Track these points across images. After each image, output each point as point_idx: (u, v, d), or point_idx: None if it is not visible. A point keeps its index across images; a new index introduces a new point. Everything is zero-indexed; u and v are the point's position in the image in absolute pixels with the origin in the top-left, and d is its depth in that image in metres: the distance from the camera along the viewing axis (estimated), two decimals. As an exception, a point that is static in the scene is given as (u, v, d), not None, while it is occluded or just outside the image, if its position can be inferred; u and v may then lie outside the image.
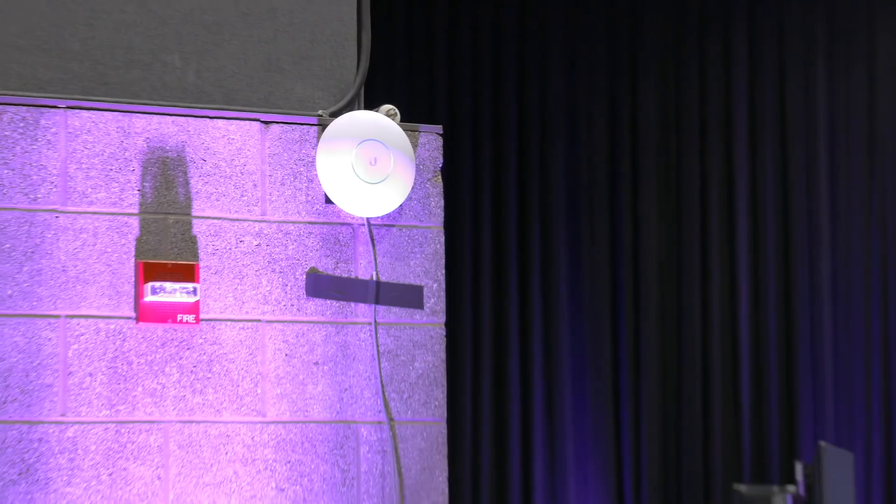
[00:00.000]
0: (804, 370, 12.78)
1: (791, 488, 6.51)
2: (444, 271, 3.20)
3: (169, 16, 3.24)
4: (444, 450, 3.08)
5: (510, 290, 13.21)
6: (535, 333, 11.93)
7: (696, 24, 13.44)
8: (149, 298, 2.79)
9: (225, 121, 3.00)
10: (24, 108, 2.83)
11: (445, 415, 3.05)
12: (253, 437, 2.92)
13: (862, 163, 12.67)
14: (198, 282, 2.85)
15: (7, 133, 2.77)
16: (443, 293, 3.22)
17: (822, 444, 6.54)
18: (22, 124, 2.79)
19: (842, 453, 6.60)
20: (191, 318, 2.84)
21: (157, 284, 2.80)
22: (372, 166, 2.94)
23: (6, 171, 2.78)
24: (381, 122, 3.06)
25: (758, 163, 12.80)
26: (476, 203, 13.43)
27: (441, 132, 3.28)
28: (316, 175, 3.05)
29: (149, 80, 3.08)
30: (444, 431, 3.12)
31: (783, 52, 14.03)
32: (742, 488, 6.74)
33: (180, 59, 3.08)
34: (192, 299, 2.82)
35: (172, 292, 2.79)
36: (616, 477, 13.37)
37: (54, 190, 2.81)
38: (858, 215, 11.94)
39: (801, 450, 8.89)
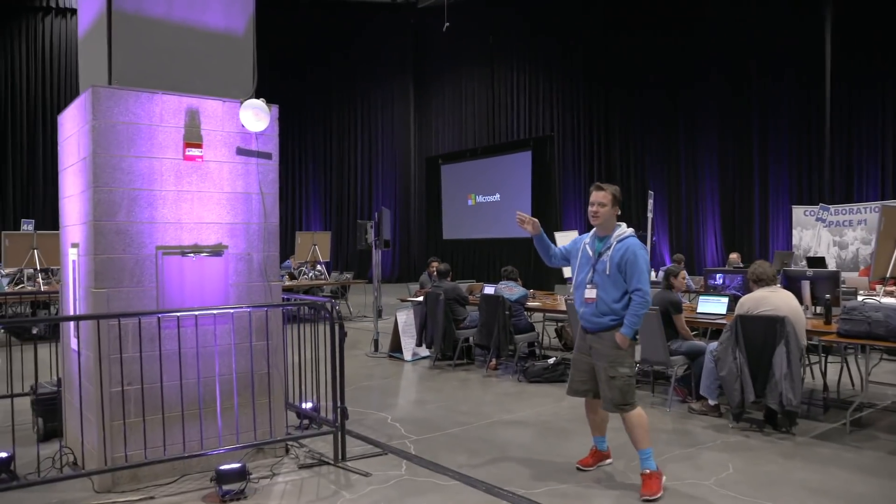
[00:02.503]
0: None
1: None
2: (278, 146, 4.97)
3: (197, 70, 4.75)
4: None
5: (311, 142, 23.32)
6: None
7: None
8: (187, 153, 4.62)
9: (211, 100, 4.71)
10: (146, 92, 4.46)
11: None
12: (219, 196, 4.73)
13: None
14: (202, 148, 4.66)
15: (142, 101, 4.42)
16: (277, 151, 4.99)
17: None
18: (148, 98, 4.46)
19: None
20: (200, 159, 4.66)
21: (189, 148, 4.63)
22: (257, 116, 4.72)
23: (144, 112, 4.43)
24: (260, 103, 4.76)
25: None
26: (292, 126, 21.84)
27: (279, 106, 4.93)
28: (239, 118, 4.79)
29: (186, 85, 4.68)
30: (277, 168, 5.05)
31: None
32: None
33: (199, 81, 4.69)
34: (200, 153, 4.67)
35: (194, 150, 4.64)
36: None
37: (158, 118, 4.51)
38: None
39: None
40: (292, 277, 13.53)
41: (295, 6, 23.06)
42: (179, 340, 4.49)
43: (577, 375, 4.60)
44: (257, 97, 4.87)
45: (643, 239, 16.41)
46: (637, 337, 4.39)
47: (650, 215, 7.57)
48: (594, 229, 4.47)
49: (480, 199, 21.15)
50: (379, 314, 10.42)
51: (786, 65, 15.57)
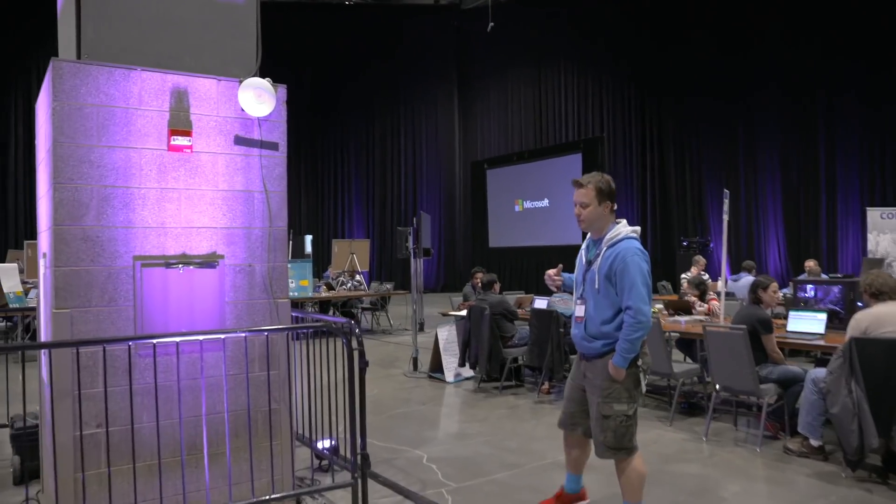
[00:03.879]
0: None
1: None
2: (286, 134, 4.11)
3: (188, 44, 3.94)
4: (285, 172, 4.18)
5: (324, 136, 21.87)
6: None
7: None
8: (173, 142, 3.78)
9: (203, 79, 3.87)
10: (125, 68, 3.65)
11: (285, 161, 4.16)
12: (213, 194, 3.88)
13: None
14: (191, 136, 3.82)
15: (117, 79, 3.62)
16: (285, 140, 4.13)
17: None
18: (124, 75, 3.66)
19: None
20: (188, 150, 3.82)
21: (175, 136, 3.80)
22: (259, 98, 3.86)
23: (118, 93, 3.62)
24: (264, 82, 3.90)
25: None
26: (299, 114, 19.27)
27: (286, 87, 4.13)
28: (238, 101, 3.94)
29: (176, 61, 3.88)
30: (285, 161, 4.13)
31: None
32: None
33: (189, 57, 3.89)
34: (189, 143, 3.83)
35: (182, 139, 3.80)
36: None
37: (136, 100, 3.69)
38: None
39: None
40: (330, 288, 12.62)
41: (337, 10, 22.37)
42: (155, 372, 3.58)
43: (567, 406, 3.80)
44: (262, 76, 4.00)
45: (705, 247, 15.05)
46: (641, 364, 3.46)
47: (726, 217, 6.42)
48: (589, 233, 3.68)
49: (528, 204, 19.95)
50: (420, 328, 9.40)
51: (853, 68, 14.12)
